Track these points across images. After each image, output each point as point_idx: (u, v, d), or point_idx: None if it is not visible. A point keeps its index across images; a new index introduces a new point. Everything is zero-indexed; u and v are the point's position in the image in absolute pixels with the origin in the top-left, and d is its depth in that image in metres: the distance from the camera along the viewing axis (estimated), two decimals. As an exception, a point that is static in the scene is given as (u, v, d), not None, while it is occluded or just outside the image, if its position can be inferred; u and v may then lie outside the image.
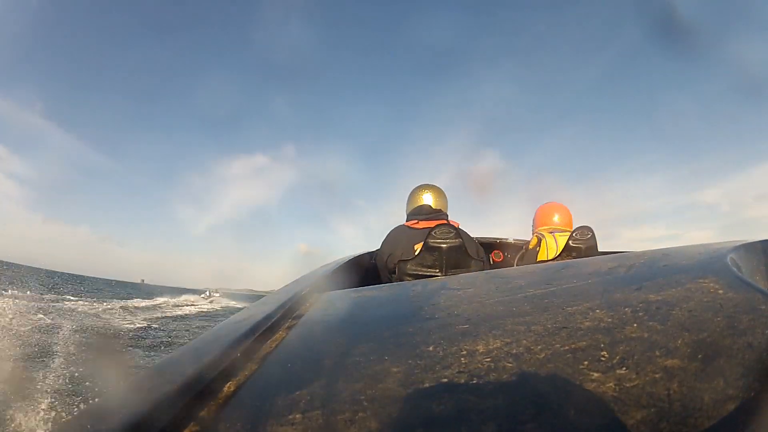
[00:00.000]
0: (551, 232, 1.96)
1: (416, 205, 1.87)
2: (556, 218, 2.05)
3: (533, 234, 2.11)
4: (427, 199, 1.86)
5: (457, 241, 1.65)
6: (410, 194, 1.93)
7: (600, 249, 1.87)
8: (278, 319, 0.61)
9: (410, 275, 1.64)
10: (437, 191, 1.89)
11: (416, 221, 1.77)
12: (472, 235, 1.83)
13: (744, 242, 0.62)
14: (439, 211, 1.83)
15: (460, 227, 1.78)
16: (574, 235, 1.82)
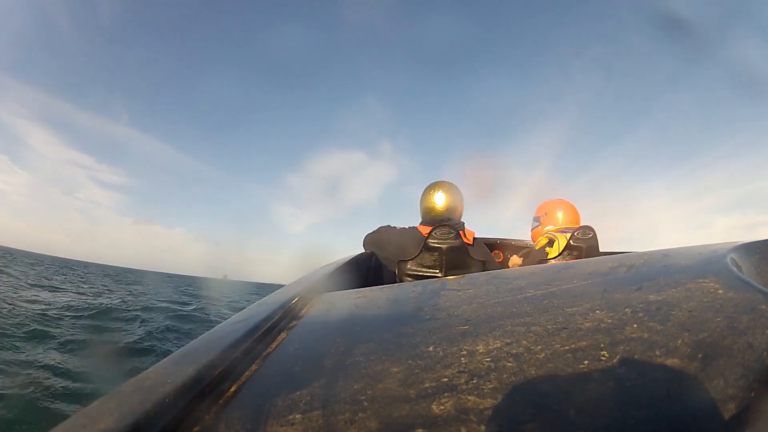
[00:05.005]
0: (562, 232, 1.88)
1: (427, 206, 1.78)
2: (560, 215, 1.95)
3: (533, 230, 2.02)
4: (439, 199, 1.76)
5: (457, 242, 1.65)
6: (423, 193, 1.83)
7: (602, 249, 1.86)
8: (278, 319, 0.61)
9: (410, 275, 1.65)
10: (449, 191, 1.77)
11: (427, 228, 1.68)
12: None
13: (744, 242, 0.62)
14: (449, 219, 1.73)
15: (475, 236, 1.72)
16: (575, 234, 1.82)
